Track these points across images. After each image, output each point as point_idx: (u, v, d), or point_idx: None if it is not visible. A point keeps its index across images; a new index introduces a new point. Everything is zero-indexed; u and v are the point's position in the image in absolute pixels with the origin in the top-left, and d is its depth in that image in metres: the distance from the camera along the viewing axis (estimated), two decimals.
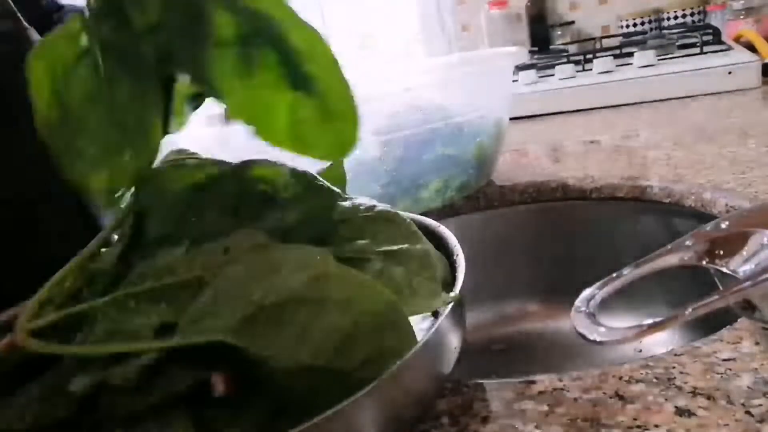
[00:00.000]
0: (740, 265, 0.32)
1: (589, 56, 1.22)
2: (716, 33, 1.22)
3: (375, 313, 0.28)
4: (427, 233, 0.43)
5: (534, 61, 1.34)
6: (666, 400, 0.31)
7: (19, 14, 0.54)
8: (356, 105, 0.33)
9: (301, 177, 0.36)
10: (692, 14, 1.55)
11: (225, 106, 0.33)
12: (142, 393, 0.30)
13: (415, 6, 1.90)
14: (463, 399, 0.34)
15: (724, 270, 0.32)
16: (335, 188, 0.37)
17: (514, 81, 1.19)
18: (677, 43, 1.24)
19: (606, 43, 1.47)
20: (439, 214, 0.70)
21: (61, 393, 0.34)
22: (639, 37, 1.39)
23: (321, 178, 0.37)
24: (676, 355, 0.34)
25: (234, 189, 0.35)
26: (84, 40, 0.33)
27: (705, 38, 1.18)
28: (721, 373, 0.32)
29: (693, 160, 0.69)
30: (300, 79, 0.31)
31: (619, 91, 1.10)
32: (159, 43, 0.32)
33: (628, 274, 0.34)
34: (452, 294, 0.33)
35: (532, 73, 1.20)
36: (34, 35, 0.58)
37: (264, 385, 0.29)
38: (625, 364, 0.34)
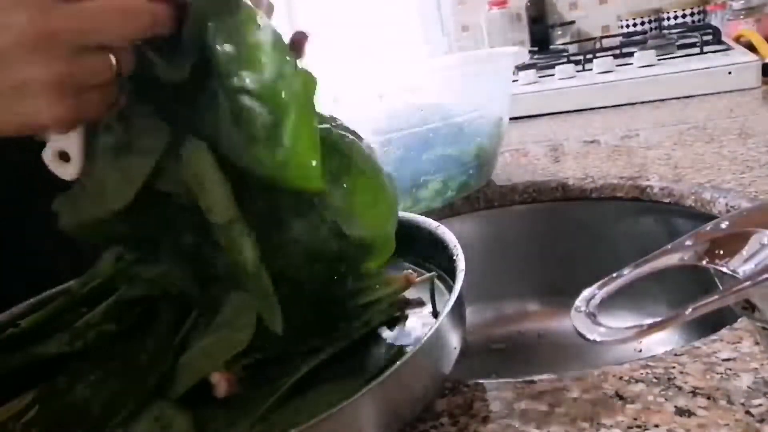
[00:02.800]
0: (740, 265, 0.32)
1: (589, 56, 1.22)
2: (716, 33, 1.22)
3: None
4: (427, 233, 0.44)
5: (534, 61, 1.34)
6: (666, 400, 0.31)
7: None
8: None
9: None
10: (692, 14, 1.55)
11: None
12: None
13: (415, 6, 1.90)
14: (463, 399, 0.34)
15: (724, 270, 0.32)
16: None
17: (514, 81, 1.19)
18: (677, 43, 1.24)
19: (606, 43, 1.47)
20: (439, 214, 0.70)
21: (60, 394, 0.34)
22: (639, 37, 1.39)
23: None
24: (676, 355, 0.34)
25: None
26: None
27: (705, 38, 1.17)
28: (721, 373, 0.32)
29: (693, 160, 0.69)
30: None
31: (619, 91, 1.10)
32: None
33: (628, 274, 0.33)
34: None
35: (532, 73, 1.20)
36: None
37: None
38: (625, 364, 0.34)
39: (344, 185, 0.35)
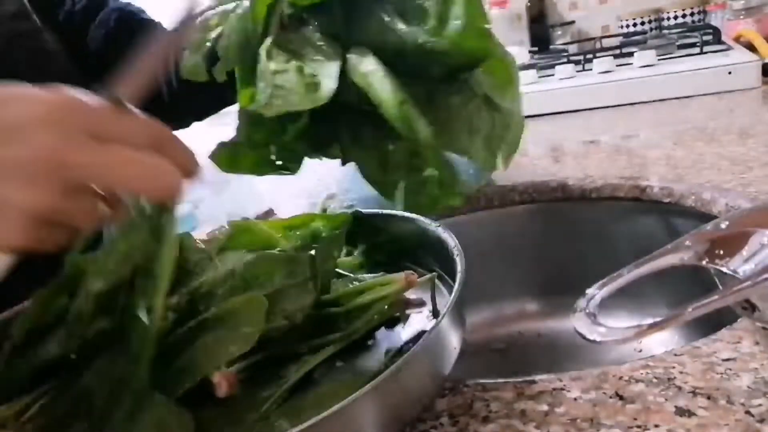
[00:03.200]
0: (740, 265, 0.32)
1: (589, 56, 1.22)
2: (716, 33, 1.22)
3: None
4: (427, 233, 0.44)
5: (534, 61, 1.34)
6: (666, 400, 0.31)
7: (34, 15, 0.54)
8: None
9: None
10: (692, 14, 1.55)
11: None
12: None
13: None
14: (463, 399, 0.34)
15: (724, 270, 0.32)
16: None
17: None
18: (677, 43, 1.24)
19: (606, 43, 1.46)
20: (439, 214, 0.70)
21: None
22: (639, 37, 1.39)
23: None
24: (676, 355, 0.34)
25: None
26: None
27: (705, 38, 1.17)
28: (721, 373, 0.32)
29: (693, 160, 0.69)
30: None
31: (619, 91, 1.10)
32: None
33: (628, 274, 0.34)
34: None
35: (532, 73, 1.20)
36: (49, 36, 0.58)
37: None
38: (625, 364, 0.34)
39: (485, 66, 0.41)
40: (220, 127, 0.58)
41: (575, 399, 0.32)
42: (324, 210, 0.52)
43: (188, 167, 0.30)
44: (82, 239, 0.32)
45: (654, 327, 0.28)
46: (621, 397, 0.32)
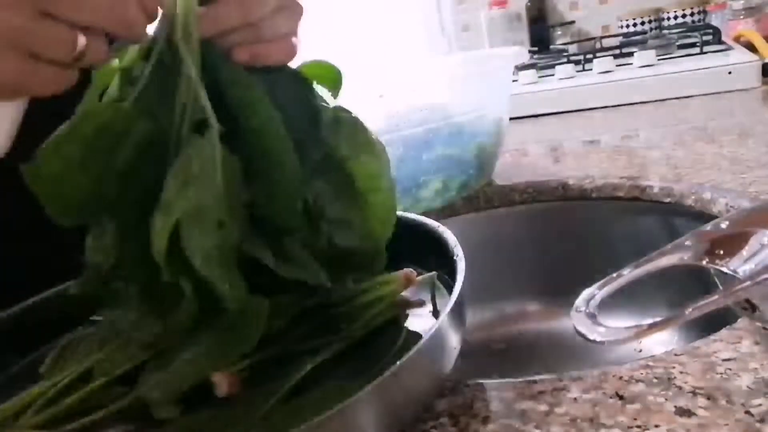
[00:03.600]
0: (740, 265, 0.32)
1: (589, 56, 1.22)
2: (716, 33, 1.22)
3: None
4: (427, 233, 0.44)
5: (534, 61, 1.34)
6: (666, 400, 0.31)
7: None
8: None
9: None
10: (692, 14, 1.55)
11: None
12: None
13: (415, 6, 1.90)
14: (463, 399, 0.34)
15: (724, 270, 0.32)
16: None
17: (514, 81, 1.19)
18: (677, 43, 1.24)
19: (606, 43, 1.46)
20: (439, 214, 0.70)
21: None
22: (639, 37, 1.39)
23: None
24: (676, 355, 0.34)
25: None
26: None
27: (705, 38, 1.18)
28: (721, 373, 0.32)
29: (693, 160, 0.69)
30: None
31: (619, 91, 1.10)
32: None
33: (628, 274, 0.34)
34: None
35: (532, 73, 1.20)
36: None
37: None
38: (625, 364, 0.34)
39: (344, 198, 0.37)
40: None
41: (575, 399, 0.32)
42: None
43: (150, 8, 0.31)
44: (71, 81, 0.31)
45: (654, 327, 0.29)
46: (621, 397, 0.32)
